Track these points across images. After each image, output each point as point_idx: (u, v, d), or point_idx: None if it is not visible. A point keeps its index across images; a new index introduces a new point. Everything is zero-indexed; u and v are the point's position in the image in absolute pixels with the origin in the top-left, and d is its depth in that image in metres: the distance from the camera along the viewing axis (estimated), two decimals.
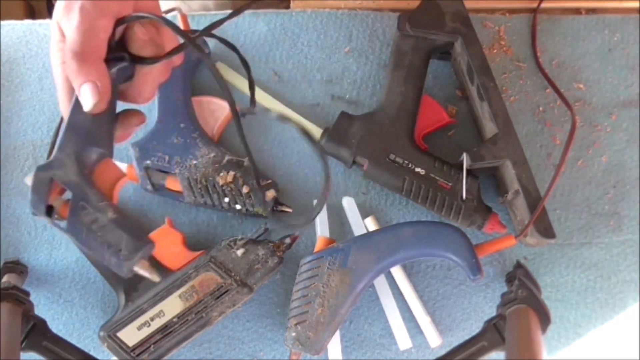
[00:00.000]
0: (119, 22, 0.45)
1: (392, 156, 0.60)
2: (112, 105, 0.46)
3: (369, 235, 0.58)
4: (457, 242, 0.55)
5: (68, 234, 0.44)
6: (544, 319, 0.54)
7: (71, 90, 0.45)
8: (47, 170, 0.44)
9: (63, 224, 0.44)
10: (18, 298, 0.54)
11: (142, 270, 0.46)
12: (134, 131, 0.49)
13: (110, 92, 0.44)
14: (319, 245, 0.59)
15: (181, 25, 0.65)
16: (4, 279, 0.58)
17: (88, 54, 0.42)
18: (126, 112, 0.49)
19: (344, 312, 0.56)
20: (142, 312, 0.57)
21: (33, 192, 0.44)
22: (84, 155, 0.45)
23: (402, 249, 0.56)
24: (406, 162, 0.60)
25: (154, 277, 0.46)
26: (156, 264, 0.58)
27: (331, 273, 0.56)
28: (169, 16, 0.68)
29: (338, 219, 0.64)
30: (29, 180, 0.44)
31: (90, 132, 0.45)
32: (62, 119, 0.64)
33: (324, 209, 0.63)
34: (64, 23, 0.43)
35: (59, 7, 0.43)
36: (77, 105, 0.45)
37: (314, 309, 0.55)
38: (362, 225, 0.63)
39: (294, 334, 0.56)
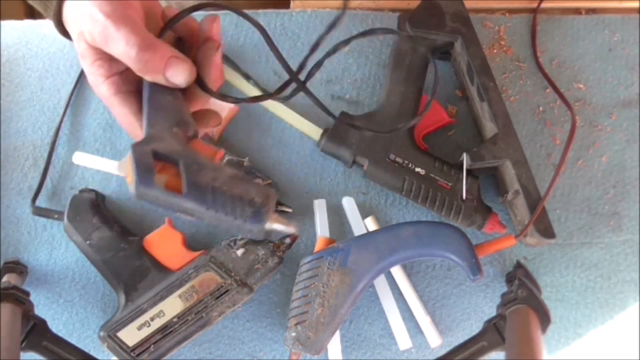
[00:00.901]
0: (175, 18, 0.44)
1: (392, 156, 0.60)
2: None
3: (369, 235, 0.58)
4: (457, 242, 0.55)
5: (190, 201, 0.39)
6: (544, 319, 0.54)
7: (128, 101, 0.44)
8: (146, 143, 0.39)
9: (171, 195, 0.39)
10: (18, 298, 0.54)
11: (276, 223, 0.41)
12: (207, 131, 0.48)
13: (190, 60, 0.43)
14: (319, 245, 0.59)
15: None
16: (4, 279, 0.58)
17: (149, 39, 0.41)
18: (205, 111, 0.48)
19: (344, 312, 0.56)
20: (142, 312, 0.57)
21: (138, 168, 0.38)
22: (176, 132, 0.42)
23: (402, 249, 0.56)
24: (406, 162, 0.60)
25: (291, 229, 0.42)
26: (157, 265, 0.58)
27: (331, 273, 0.56)
28: None
29: (338, 219, 0.64)
30: (122, 169, 0.39)
31: (174, 114, 0.43)
32: (62, 120, 0.64)
33: (324, 209, 0.63)
34: (99, 36, 0.41)
35: (84, 28, 0.42)
36: (153, 90, 0.43)
37: (314, 309, 0.55)
38: (362, 225, 0.63)
39: (294, 334, 0.56)
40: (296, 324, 0.56)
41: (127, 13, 0.41)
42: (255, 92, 0.65)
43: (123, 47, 0.40)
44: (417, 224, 0.57)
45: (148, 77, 0.42)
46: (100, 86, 0.44)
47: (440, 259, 0.63)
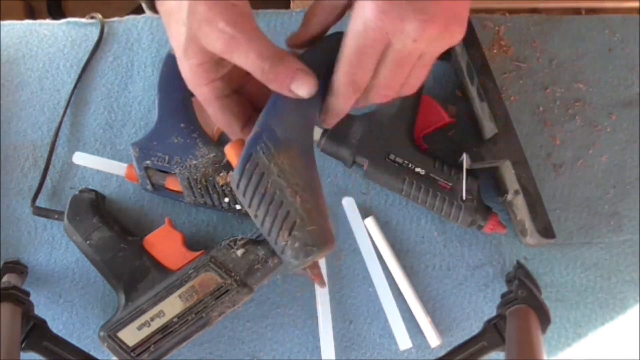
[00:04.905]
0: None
1: (392, 156, 0.60)
2: None
3: (274, 98, 0.46)
4: None
5: (238, 192, 0.44)
6: (544, 319, 0.54)
7: (227, 105, 0.45)
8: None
9: None
10: (18, 298, 0.54)
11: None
12: None
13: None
14: (233, 155, 0.47)
15: None
16: (4, 279, 0.58)
17: (279, 52, 0.41)
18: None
19: (319, 184, 0.46)
20: (142, 312, 0.57)
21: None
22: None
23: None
24: (406, 162, 0.60)
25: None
26: (157, 265, 0.58)
27: (273, 158, 0.44)
28: None
29: (338, 219, 0.64)
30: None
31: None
32: (62, 120, 0.64)
33: None
34: (223, 45, 0.40)
35: (200, 32, 0.40)
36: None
37: (290, 203, 0.44)
38: (362, 225, 0.63)
39: (297, 244, 0.43)
40: (290, 232, 0.44)
41: (252, 24, 0.41)
42: None
43: (254, 60, 0.41)
44: (304, 55, 0.48)
45: (273, 87, 0.43)
46: (201, 88, 0.44)
47: (439, 260, 0.63)
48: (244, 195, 0.45)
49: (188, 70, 0.43)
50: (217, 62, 0.42)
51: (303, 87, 0.42)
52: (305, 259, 0.43)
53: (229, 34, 0.40)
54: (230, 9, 0.40)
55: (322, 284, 0.50)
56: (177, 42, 0.42)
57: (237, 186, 0.45)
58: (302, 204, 0.44)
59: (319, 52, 0.46)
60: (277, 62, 0.41)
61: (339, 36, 0.45)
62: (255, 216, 0.44)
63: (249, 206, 0.45)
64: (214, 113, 0.45)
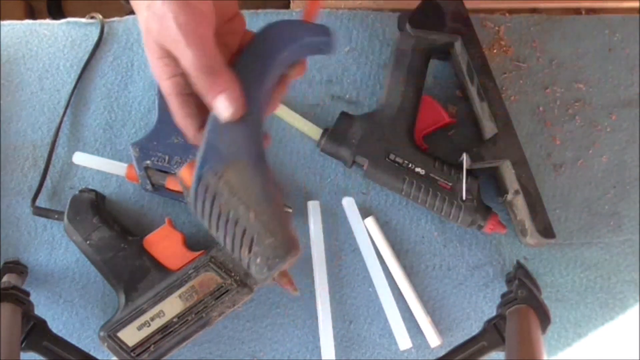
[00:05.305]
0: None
1: (392, 156, 0.60)
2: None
3: (212, 119, 0.45)
4: (290, 29, 0.46)
5: (197, 214, 0.44)
6: (544, 319, 0.54)
7: (186, 103, 0.44)
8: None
9: None
10: (18, 298, 0.54)
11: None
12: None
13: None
14: (188, 177, 0.46)
15: None
16: (4, 279, 0.58)
17: (215, 65, 0.41)
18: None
19: (274, 192, 0.45)
20: (142, 312, 0.57)
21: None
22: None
23: (255, 87, 0.45)
24: (406, 162, 0.60)
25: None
26: (157, 265, 0.58)
27: (221, 177, 0.44)
28: None
29: (337, 220, 0.64)
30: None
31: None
32: (62, 120, 0.64)
33: (318, 210, 0.63)
34: (169, 43, 0.41)
35: (153, 26, 0.41)
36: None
37: (246, 219, 0.43)
38: (362, 225, 0.63)
39: (259, 259, 0.43)
40: (250, 248, 0.43)
41: (200, 30, 0.41)
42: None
43: (189, 64, 0.41)
44: (239, 63, 0.46)
45: (205, 101, 0.42)
46: (164, 81, 0.44)
47: (439, 260, 0.63)
48: (202, 217, 0.45)
49: (151, 62, 0.44)
50: (176, 58, 0.42)
51: (225, 110, 0.42)
52: (269, 272, 0.43)
53: (173, 35, 0.40)
54: (182, 9, 0.40)
55: (293, 291, 0.51)
56: (142, 33, 0.43)
57: (195, 209, 0.45)
58: (256, 218, 0.43)
59: (253, 55, 0.45)
60: (207, 75, 0.41)
61: (271, 29, 0.46)
62: (217, 236, 0.44)
63: (209, 227, 0.45)
64: (173, 108, 0.45)
